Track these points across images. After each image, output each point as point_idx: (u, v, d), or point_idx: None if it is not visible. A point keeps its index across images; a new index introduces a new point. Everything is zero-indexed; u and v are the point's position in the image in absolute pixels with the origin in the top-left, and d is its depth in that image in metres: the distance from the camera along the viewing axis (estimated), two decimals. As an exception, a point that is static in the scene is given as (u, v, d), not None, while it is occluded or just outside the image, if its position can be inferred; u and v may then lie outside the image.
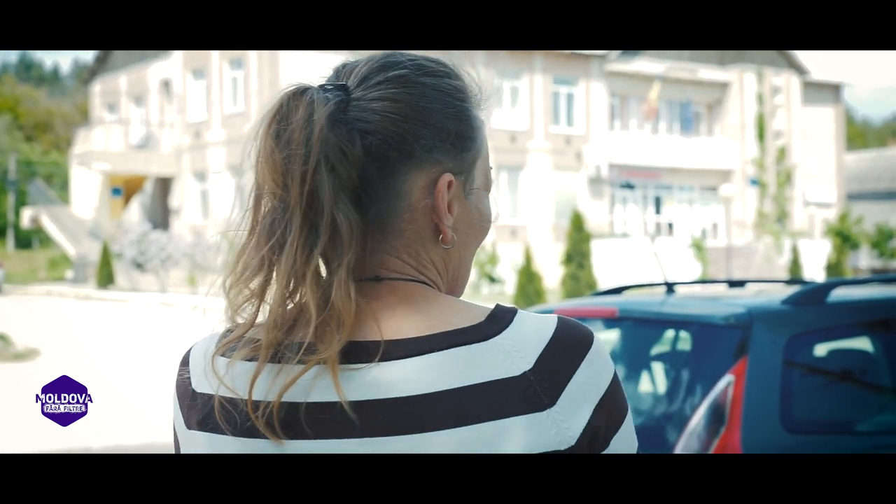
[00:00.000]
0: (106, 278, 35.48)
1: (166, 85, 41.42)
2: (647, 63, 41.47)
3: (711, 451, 3.80)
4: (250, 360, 1.18)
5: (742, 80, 43.35)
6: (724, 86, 43.66)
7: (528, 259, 24.79)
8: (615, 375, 1.20)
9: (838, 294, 4.47)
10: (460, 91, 1.27)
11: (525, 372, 1.14)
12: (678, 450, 3.88)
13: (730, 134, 43.54)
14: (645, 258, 31.01)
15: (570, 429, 1.15)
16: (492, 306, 1.22)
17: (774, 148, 43.68)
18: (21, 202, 54.92)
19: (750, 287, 5.63)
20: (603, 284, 25.19)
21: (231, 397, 1.17)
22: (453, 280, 1.28)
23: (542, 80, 38.96)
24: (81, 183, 44.88)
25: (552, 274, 29.98)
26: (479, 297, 29.25)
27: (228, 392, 1.18)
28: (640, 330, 4.89)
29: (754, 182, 42.96)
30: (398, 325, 1.18)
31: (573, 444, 1.15)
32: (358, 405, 1.14)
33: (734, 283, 5.55)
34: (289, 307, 1.18)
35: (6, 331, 20.38)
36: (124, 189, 42.79)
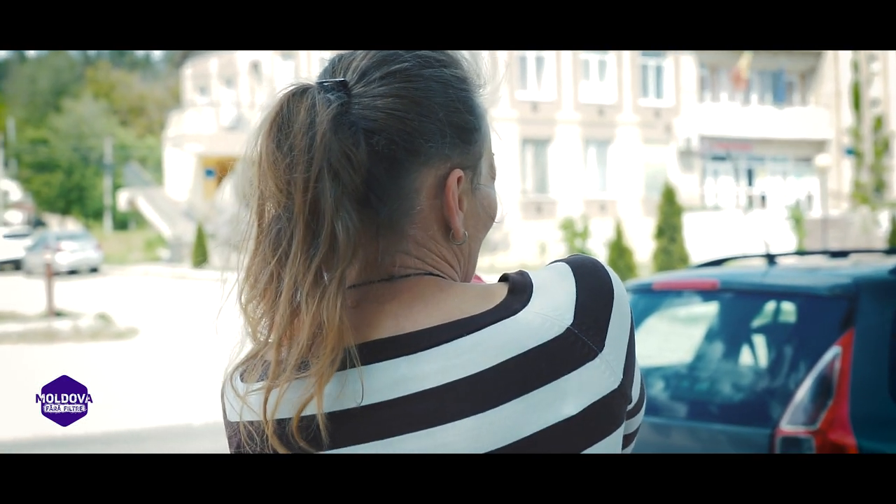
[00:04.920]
0: (201, 258, 36.09)
1: (255, 67, 41.89)
2: (738, 32, 40.70)
3: (818, 423, 3.74)
4: (262, 380, 1.15)
5: (836, 47, 42.32)
6: (817, 54, 42.68)
7: (619, 233, 24.58)
8: (626, 293, 1.20)
9: (947, 263, 4.36)
10: (462, 80, 1.23)
11: (568, 327, 1.14)
12: (783, 424, 3.83)
13: (824, 103, 42.57)
14: (738, 231, 30.54)
15: (619, 365, 1.16)
16: (503, 283, 1.19)
17: (871, 116, 42.59)
18: (117, 185, 56.16)
19: (852, 257, 5.52)
20: (695, 258, 24.90)
21: (252, 420, 1.16)
22: (464, 272, 1.25)
23: (630, 53, 38.50)
24: (175, 165, 45.66)
25: (643, 248, 29.70)
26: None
27: (251, 415, 1.16)
28: (741, 302, 4.82)
29: (850, 152, 41.98)
30: (418, 318, 1.15)
31: (622, 377, 1.16)
32: (389, 404, 1.12)
33: (836, 254, 5.45)
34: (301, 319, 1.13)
35: (106, 310, 20.90)
36: (217, 170, 43.45)
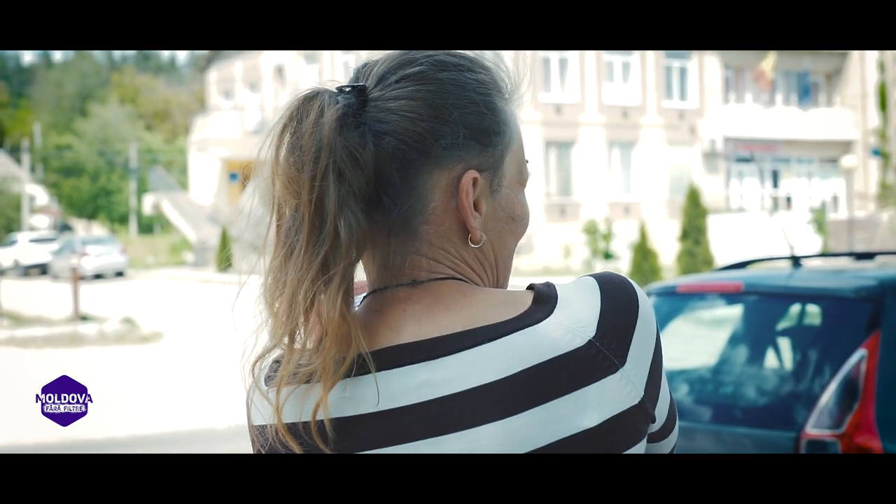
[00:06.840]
0: (225, 262, 36.20)
1: (279, 71, 42.03)
2: (763, 33, 40.47)
3: (844, 427, 3.71)
4: (272, 379, 1.17)
5: (862, 47, 42.04)
6: (843, 54, 42.42)
7: (643, 236, 24.50)
8: (653, 312, 1.20)
9: (975, 265, 4.32)
10: (483, 84, 1.22)
11: (590, 340, 1.13)
12: (809, 427, 3.80)
13: (850, 104, 42.30)
14: (763, 233, 30.38)
15: (640, 381, 1.15)
16: (528, 291, 1.19)
17: (897, 117, 42.31)
18: (142, 189, 56.47)
19: (877, 259, 5.48)
20: (720, 260, 24.78)
21: (262, 422, 1.17)
22: (492, 278, 1.24)
23: (654, 54, 38.38)
24: (200, 169, 45.86)
25: (667, 250, 29.59)
26: (594, 275, 28.95)
27: (262, 416, 1.17)
28: (766, 305, 4.79)
29: (876, 153, 41.61)
30: (440, 324, 1.15)
31: (643, 394, 1.16)
32: (409, 409, 1.12)
33: (862, 256, 5.40)
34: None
35: (131, 314, 21.00)
36: (241, 174, 43.50)
